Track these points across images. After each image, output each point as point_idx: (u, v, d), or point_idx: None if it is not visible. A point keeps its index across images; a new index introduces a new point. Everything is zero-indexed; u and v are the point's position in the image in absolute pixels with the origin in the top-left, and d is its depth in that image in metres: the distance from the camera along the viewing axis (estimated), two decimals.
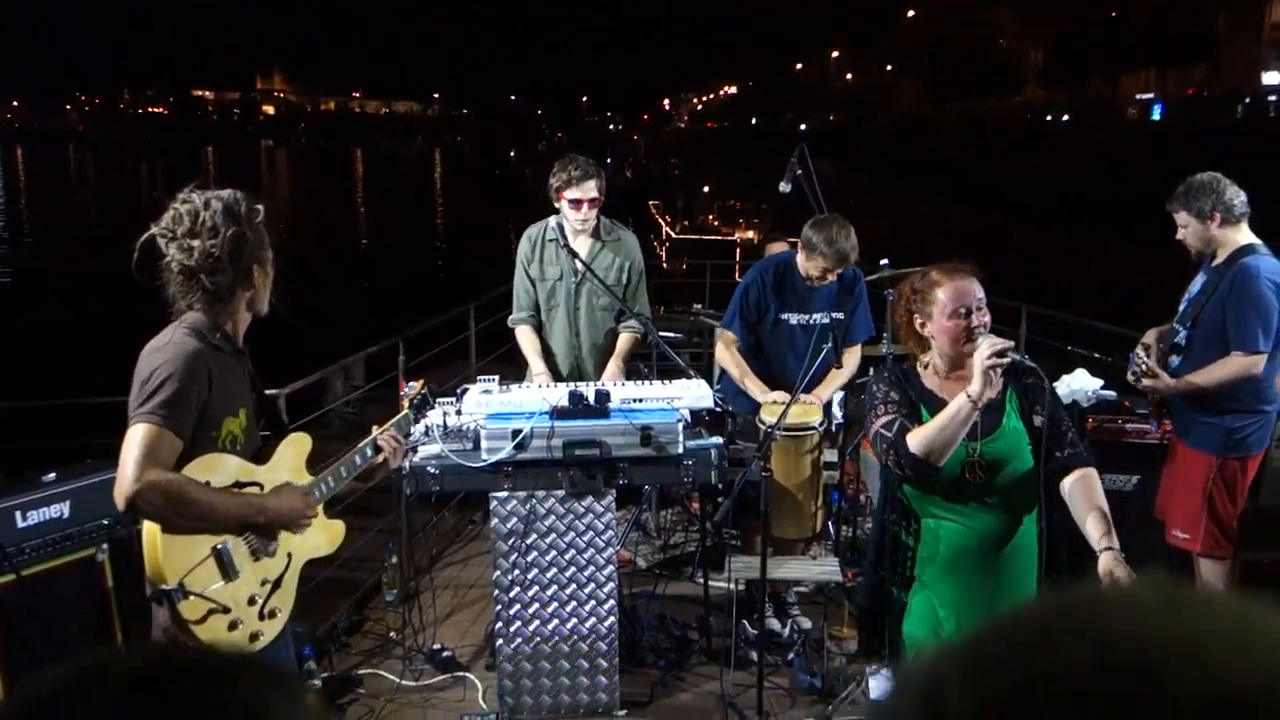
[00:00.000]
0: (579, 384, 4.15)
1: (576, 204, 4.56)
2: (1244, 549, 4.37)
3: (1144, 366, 4.30)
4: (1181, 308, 4.41)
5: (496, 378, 4.13)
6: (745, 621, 4.52)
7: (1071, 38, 52.39)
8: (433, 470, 3.83)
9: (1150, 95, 52.93)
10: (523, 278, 4.78)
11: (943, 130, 60.65)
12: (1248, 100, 45.61)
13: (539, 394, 3.97)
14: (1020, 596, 2.86)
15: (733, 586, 4.52)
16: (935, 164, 47.11)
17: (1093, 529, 2.73)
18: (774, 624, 4.66)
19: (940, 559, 2.90)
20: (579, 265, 4.59)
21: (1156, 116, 49.84)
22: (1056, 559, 2.90)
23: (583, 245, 4.68)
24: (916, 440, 2.78)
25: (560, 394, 3.93)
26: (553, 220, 4.67)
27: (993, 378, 2.71)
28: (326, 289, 22.86)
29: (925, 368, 2.97)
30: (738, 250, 22.97)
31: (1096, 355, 5.37)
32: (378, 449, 3.20)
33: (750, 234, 29.18)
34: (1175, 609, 0.54)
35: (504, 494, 3.90)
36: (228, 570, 2.64)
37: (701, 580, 4.78)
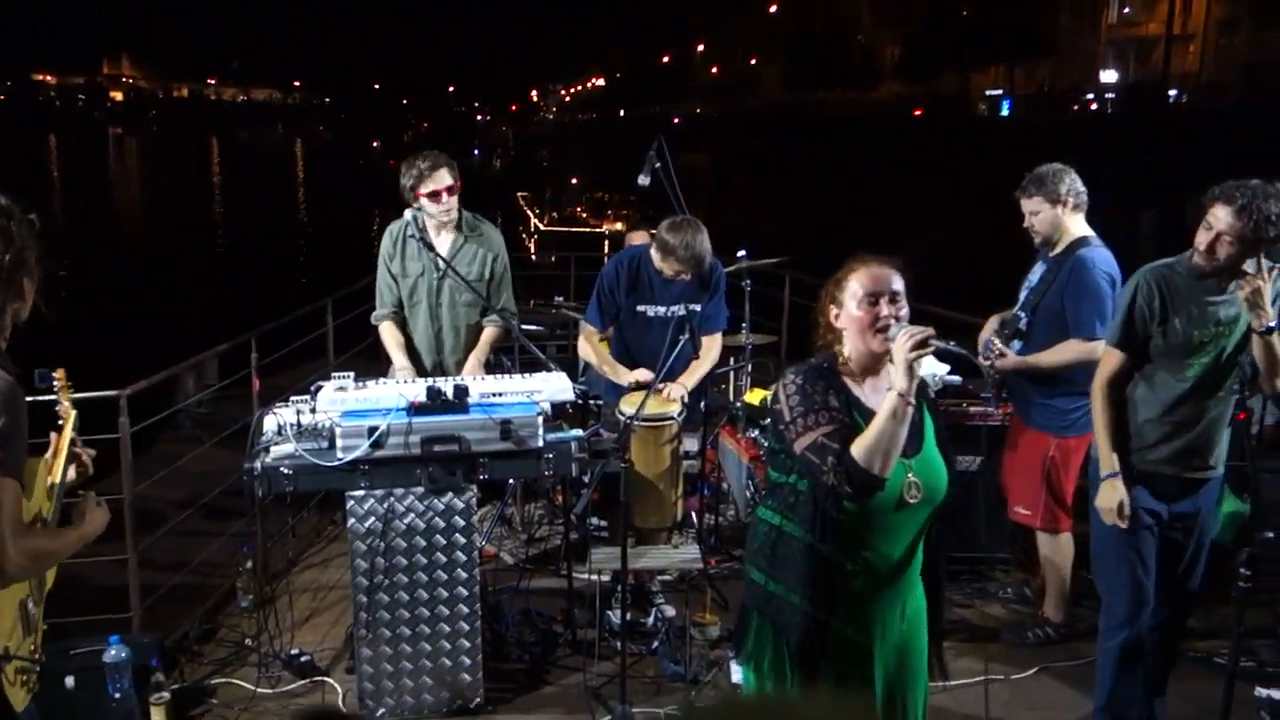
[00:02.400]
0: (438, 379, 4.11)
1: (435, 196, 4.51)
2: (1077, 523, 4.60)
3: (996, 350, 4.52)
4: (1022, 295, 4.63)
5: (352, 374, 4.05)
6: (610, 612, 4.55)
7: (923, 34, 54.07)
8: (286, 470, 3.73)
9: (999, 91, 55.08)
10: (385, 274, 4.71)
11: (809, 120, 62.00)
12: (1088, 96, 47.92)
13: (396, 390, 3.92)
14: (913, 606, 2.75)
15: (597, 578, 4.54)
16: (804, 152, 48.12)
17: None
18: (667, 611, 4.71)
19: (870, 580, 2.65)
20: (439, 261, 4.55)
21: (1005, 112, 51.91)
22: (936, 571, 2.81)
23: (445, 240, 4.64)
24: (859, 451, 2.51)
25: (418, 390, 3.88)
26: (411, 215, 4.60)
27: (917, 371, 2.50)
28: (181, 284, 22.05)
29: (844, 364, 2.70)
30: (606, 242, 23.03)
31: (972, 357, 5.55)
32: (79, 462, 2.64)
33: (619, 226, 29.23)
34: None
35: (361, 492, 3.83)
36: (29, 624, 2.38)
37: (566, 573, 4.79)
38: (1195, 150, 24.08)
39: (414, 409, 3.79)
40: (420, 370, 4.63)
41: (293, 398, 3.87)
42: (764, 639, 2.71)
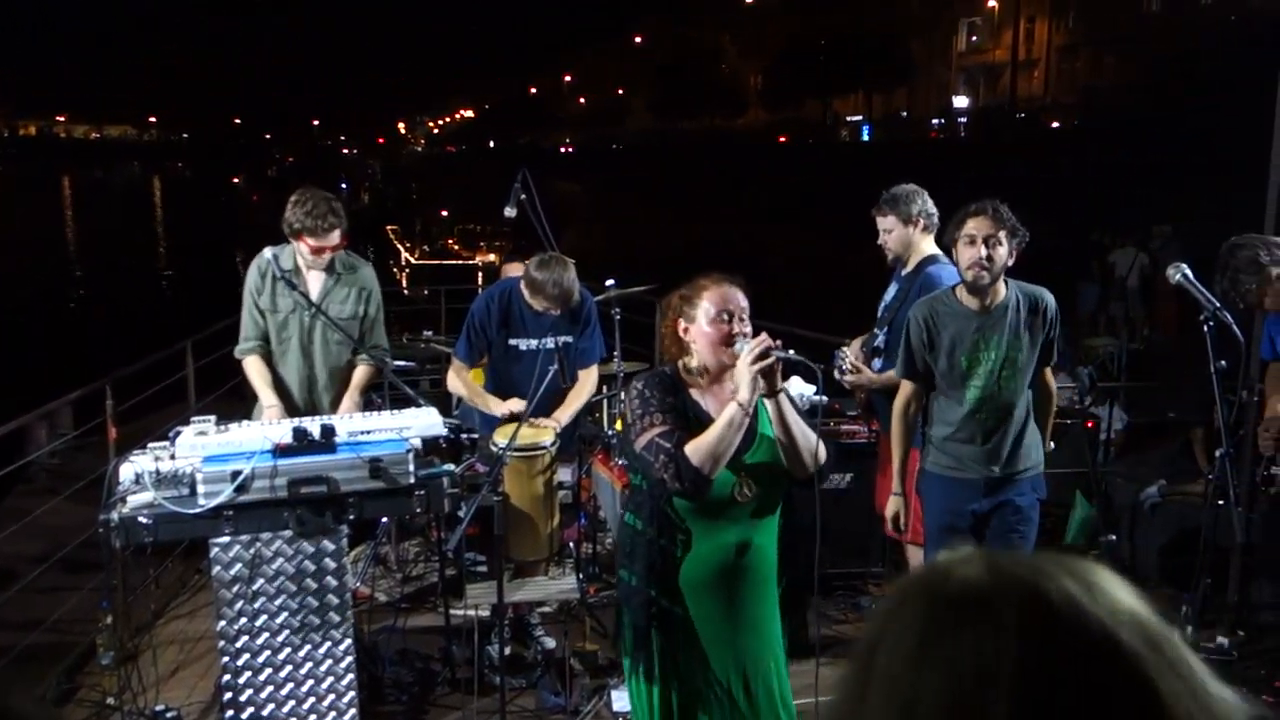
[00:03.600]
0: (305, 419, 4.02)
1: (318, 251, 4.44)
2: None
3: (847, 363, 4.64)
4: (879, 313, 4.79)
5: (213, 418, 3.93)
6: (489, 647, 4.51)
7: (784, 63, 55.48)
8: (145, 520, 3.59)
9: (859, 117, 56.89)
10: (252, 308, 4.59)
11: (678, 149, 62.90)
12: (941, 121, 49.88)
13: (260, 432, 3.82)
14: (767, 595, 3.02)
15: (475, 613, 4.50)
16: (674, 179, 48.71)
17: None
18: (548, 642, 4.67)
19: (703, 568, 2.90)
20: (312, 296, 4.47)
21: (866, 137, 53.64)
22: (794, 554, 3.13)
23: (317, 278, 4.56)
24: (693, 452, 2.73)
25: (283, 431, 3.79)
26: (286, 250, 4.50)
27: (760, 383, 2.73)
28: (31, 329, 21.06)
29: (690, 373, 2.95)
30: (479, 274, 22.91)
31: (809, 363, 5.69)
32: None
33: (492, 257, 29.19)
34: None
35: (226, 539, 3.71)
36: None
37: (443, 610, 4.73)
38: (1042, 170, 25.25)
39: (279, 451, 3.69)
40: (291, 409, 4.53)
41: (151, 444, 3.74)
42: (624, 628, 3.01)
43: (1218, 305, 3.29)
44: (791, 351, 2.78)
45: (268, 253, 4.51)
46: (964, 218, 3.79)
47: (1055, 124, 39.61)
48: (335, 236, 4.45)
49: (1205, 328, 3.27)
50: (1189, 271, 3.36)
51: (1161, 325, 12.31)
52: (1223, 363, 3.22)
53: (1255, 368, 4.81)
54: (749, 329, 2.86)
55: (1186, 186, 16.03)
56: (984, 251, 3.70)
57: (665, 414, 2.83)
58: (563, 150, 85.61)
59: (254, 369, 4.60)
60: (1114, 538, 3.02)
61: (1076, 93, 42.86)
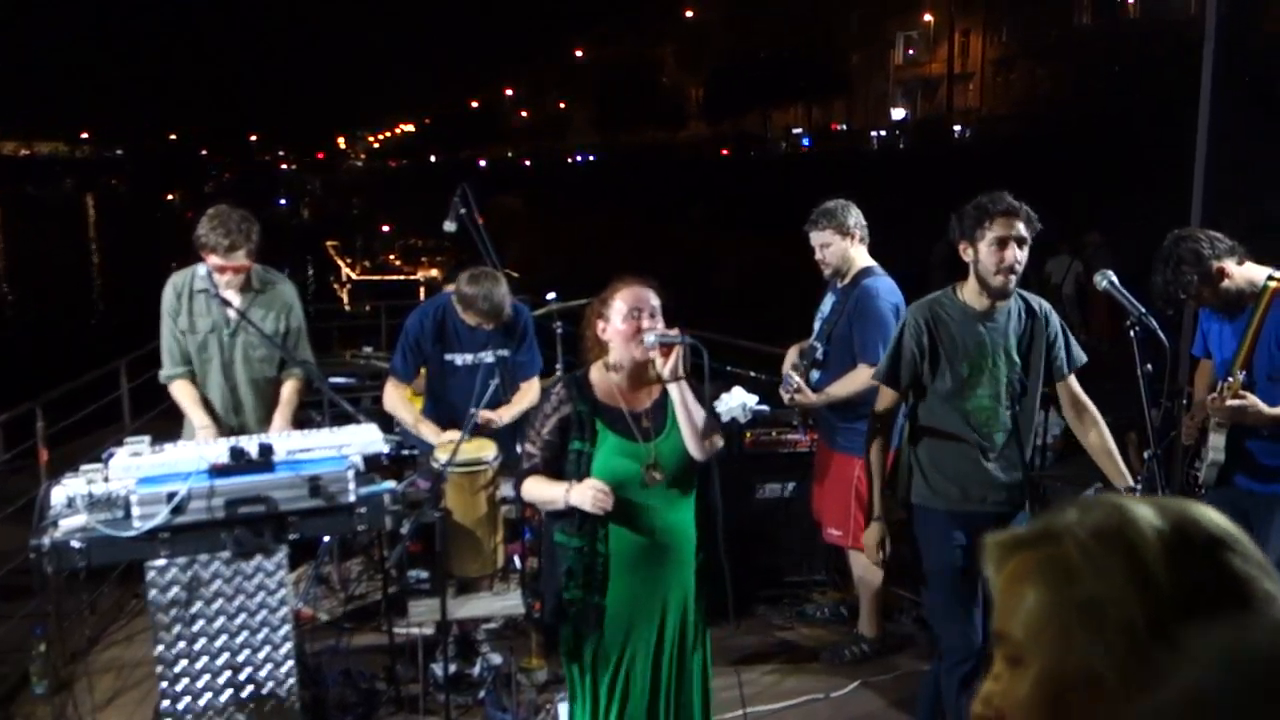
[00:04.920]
0: (243, 438, 3.97)
1: (222, 270, 4.37)
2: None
3: (795, 384, 4.67)
4: (817, 326, 4.84)
5: (148, 438, 3.87)
6: (434, 665, 4.47)
7: (724, 76, 55.89)
8: (78, 544, 3.51)
9: (799, 130, 57.48)
10: (172, 330, 4.52)
11: (620, 161, 63.10)
12: (881, 133, 50.59)
13: (196, 452, 3.76)
14: (688, 572, 3.23)
15: (419, 631, 4.46)
16: (616, 192, 48.80)
17: None
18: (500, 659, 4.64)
19: (622, 557, 3.14)
20: (232, 315, 4.40)
21: (807, 146, 54.22)
22: (713, 535, 3.25)
23: (234, 298, 4.49)
24: (525, 491, 3.20)
25: (220, 450, 3.73)
26: (201, 269, 4.44)
27: (590, 505, 3.01)
28: None
29: (609, 370, 3.20)
30: (421, 290, 22.74)
31: (752, 373, 5.76)
32: None
33: (434, 272, 28.98)
34: None
35: (162, 562, 3.64)
36: None
37: (387, 629, 4.68)
38: (981, 180, 25.65)
39: (216, 471, 3.64)
40: (220, 431, 4.46)
41: (84, 467, 3.67)
42: (564, 641, 3.23)
43: (1143, 311, 3.37)
44: (688, 337, 3.08)
45: (200, 269, 4.44)
46: (987, 217, 3.43)
47: (991, 134, 40.29)
48: (240, 256, 4.36)
49: (1132, 333, 3.35)
50: (1114, 278, 3.43)
51: (1097, 331, 12.56)
52: (1149, 366, 3.29)
53: (1185, 369, 4.93)
54: (660, 324, 3.11)
55: (1116, 195, 16.40)
56: (1016, 254, 3.42)
57: (543, 435, 3.18)
58: (506, 164, 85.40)
59: (182, 392, 4.53)
60: None
61: (1011, 105, 43.68)
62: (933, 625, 3.98)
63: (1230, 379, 3.62)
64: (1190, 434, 3.93)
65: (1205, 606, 0.82)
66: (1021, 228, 3.43)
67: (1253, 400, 3.57)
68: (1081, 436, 3.74)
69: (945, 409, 3.58)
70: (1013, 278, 3.45)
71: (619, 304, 3.13)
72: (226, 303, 4.40)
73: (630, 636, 3.19)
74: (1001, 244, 3.41)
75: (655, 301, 3.14)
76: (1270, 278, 3.70)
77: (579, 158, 73.93)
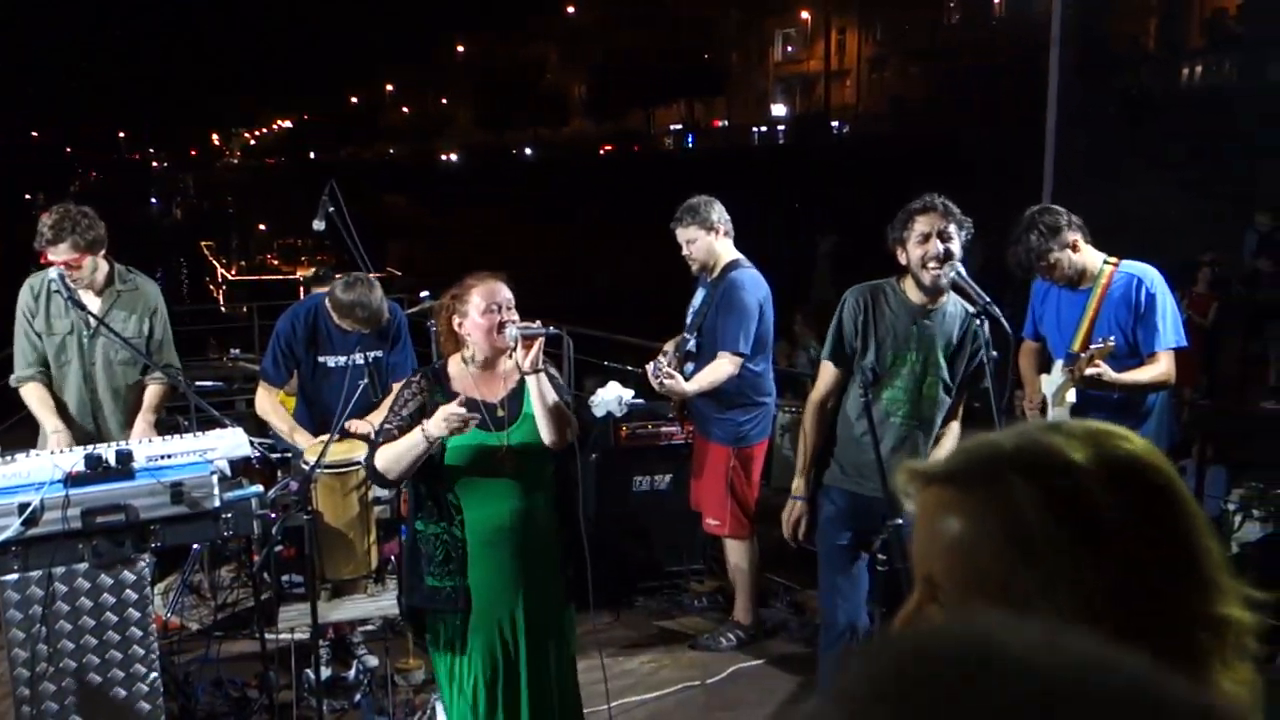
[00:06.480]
0: (98, 445, 3.86)
1: (64, 265, 4.23)
2: (762, 527, 4.93)
3: (663, 369, 4.74)
4: (689, 319, 4.92)
5: None
6: (308, 670, 4.41)
7: (605, 73, 55.99)
8: None
9: (680, 126, 57.94)
10: (27, 332, 4.36)
11: (502, 158, 62.72)
12: (761, 129, 51.37)
13: (49, 461, 3.63)
14: (547, 557, 3.30)
15: (294, 636, 4.39)
16: (498, 189, 48.46)
17: None
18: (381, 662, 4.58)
19: (479, 542, 3.21)
20: (91, 318, 4.27)
21: (691, 144, 54.71)
22: (575, 527, 3.32)
23: (93, 299, 4.36)
24: (379, 456, 3.20)
25: (75, 458, 3.62)
26: (53, 270, 4.29)
27: (451, 423, 3.04)
28: None
29: (465, 363, 3.29)
30: (301, 290, 22.24)
31: (629, 368, 5.82)
32: None
33: (313, 271, 28.31)
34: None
35: (15, 576, 3.51)
36: None
37: (258, 635, 4.59)
38: (858, 176, 26.32)
39: (71, 479, 3.53)
40: (76, 436, 4.32)
41: None
42: (436, 634, 3.30)
43: (988, 300, 3.53)
44: (551, 328, 3.25)
45: (39, 275, 4.30)
46: (909, 216, 3.56)
47: (868, 130, 41.28)
48: (64, 250, 4.22)
49: (977, 322, 3.50)
50: (961, 268, 3.58)
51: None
52: (995, 353, 3.45)
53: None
54: (516, 316, 3.21)
55: (983, 191, 16.97)
56: (940, 246, 3.52)
57: (400, 416, 3.22)
58: (389, 162, 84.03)
59: (33, 395, 4.38)
60: (900, 521, 3.18)
61: (885, 102, 44.82)
62: (820, 601, 4.12)
63: (1094, 347, 3.75)
64: (1033, 415, 4.12)
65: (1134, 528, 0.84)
66: (943, 222, 3.54)
67: (1105, 368, 3.73)
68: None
69: (859, 393, 3.63)
70: (940, 270, 3.54)
71: (476, 299, 3.20)
72: (80, 305, 4.26)
73: (492, 621, 3.25)
74: (924, 239, 3.54)
75: (509, 294, 3.23)
76: (1106, 261, 3.94)
77: (461, 156, 73.21)
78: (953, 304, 3.72)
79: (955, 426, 3.83)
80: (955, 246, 3.55)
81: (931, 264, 3.53)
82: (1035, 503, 0.86)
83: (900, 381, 3.68)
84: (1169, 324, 3.88)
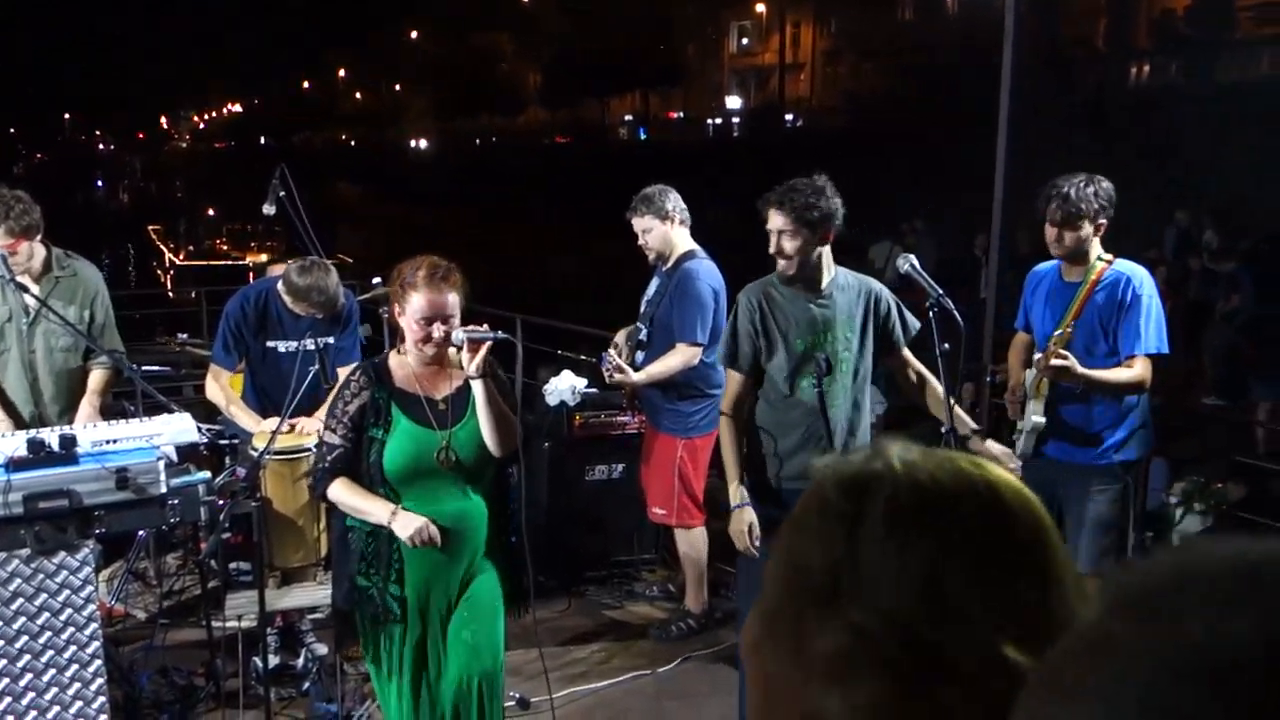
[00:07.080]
0: (41, 430, 3.79)
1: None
2: (711, 518, 4.95)
3: (614, 362, 4.74)
4: (642, 309, 4.93)
5: None
6: (256, 658, 4.37)
7: (560, 63, 55.75)
8: None
9: (630, 116, 57.86)
10: None
11: (457, 146, 62.28)
12: (717, 121, 51.47)
13: None
14: (482, 556, 3.25)
15: (241, 624, 4.35)
16: (452, 177, 48.12)
17: None
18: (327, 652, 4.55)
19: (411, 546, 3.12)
20: (31, 302, 4.18)
21: (644, 136, 54.66)
22: (514, 520, 3.35)
23: (30, 284, 4.27)
24: (336, 494, 3.15)
25: (16, 443, 3.55)
26: None
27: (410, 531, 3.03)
28: None
29: (403, 354, 3.21)
30: (250, 275, 21.99)
31: (582, 357, 5.82)
32: None
33: (264, 257, 28.08)
34: None
35: None
36: None
37: (205, 623, 4.54)
38: (811, 168, 26.40)
39: (13, 465, 3.47)
40: (17, 424, 4.24)
41: None
42: (365, 631, 3.24)
43: (941, 293, 3.57)
44: (500, 332, 3.13)
45: None
46: (762, 205, 3.62)
47: (822, 124, 41.53)
48: None
49: (931, 314, 3.54)
50: (915, 261, 3.62)
51: (918, 314, 13.13)
52: (946, 346, 3.49)
53: (989, 349, 5.22)
54: (457, 322, 3.10)
55: (936, 186, 17.15)
56: (773, 245, 3.58)
57: (344, 420, 3.14)
58: (340, 148, 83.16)
59: None
60: (776, 511, 3.23)
61: (839, 96, 45.07)
62: (741, 604, 4.13)
63: (1055, 335, 3.80)
64: (1015, 410, 4.16)
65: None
66: (776, 220, 3.57)
67: (1073, 361, 3.76)
68: (920, 398, 3.90)
69: (782, 388, 3.68)
70: (782, 264, 3.60)
71: (415, 303, 3.07)
72: (22, 288, 4.17)
73: (425, 622, 3.21)
74: (769, 236, 3.61)
75: (452, 306, 3.09)
76: (1100, 257, 3.96)
77: (416, 142, 72.63)
78: (842, 276, 3.72)
79: (924, 370, 3.84)
80: (793, 245, 3.55)
81: (780, 261, 3.61)
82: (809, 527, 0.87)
83: (812, 369, 3.62)
84: (1151, 328, 3.87)
